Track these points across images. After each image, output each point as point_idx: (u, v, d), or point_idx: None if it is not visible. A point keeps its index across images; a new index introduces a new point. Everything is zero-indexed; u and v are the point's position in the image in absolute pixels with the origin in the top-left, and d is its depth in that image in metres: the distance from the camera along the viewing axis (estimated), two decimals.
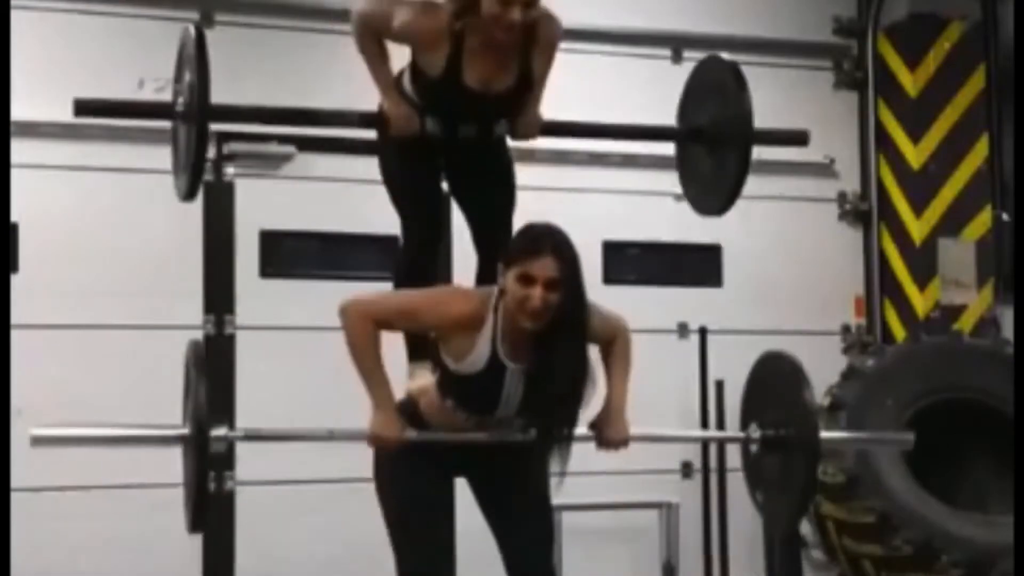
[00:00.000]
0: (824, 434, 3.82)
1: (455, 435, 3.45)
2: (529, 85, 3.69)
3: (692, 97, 4.07)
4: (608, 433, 3.46)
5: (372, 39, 3.64)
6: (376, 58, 3.67)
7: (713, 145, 3.93)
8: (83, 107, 3.72)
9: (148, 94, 5.41)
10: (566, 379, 3.27)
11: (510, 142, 3.83)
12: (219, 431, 3.42)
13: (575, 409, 3.34)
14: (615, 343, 3.45)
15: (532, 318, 3.21)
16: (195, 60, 3.46)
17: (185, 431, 3.44)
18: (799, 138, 4.20)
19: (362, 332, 3.27)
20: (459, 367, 3.33)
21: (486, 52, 3.57)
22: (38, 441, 3.39)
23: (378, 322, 3.31)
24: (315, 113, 4.16)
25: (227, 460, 5.26)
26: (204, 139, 3.48)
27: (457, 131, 3.70)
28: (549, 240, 3.24)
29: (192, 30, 3.54)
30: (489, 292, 3.36)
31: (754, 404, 3.97)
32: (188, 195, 3.63)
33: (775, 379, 3.89)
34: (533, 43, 3.62)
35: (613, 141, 5.83)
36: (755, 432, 3.85)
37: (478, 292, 3.43)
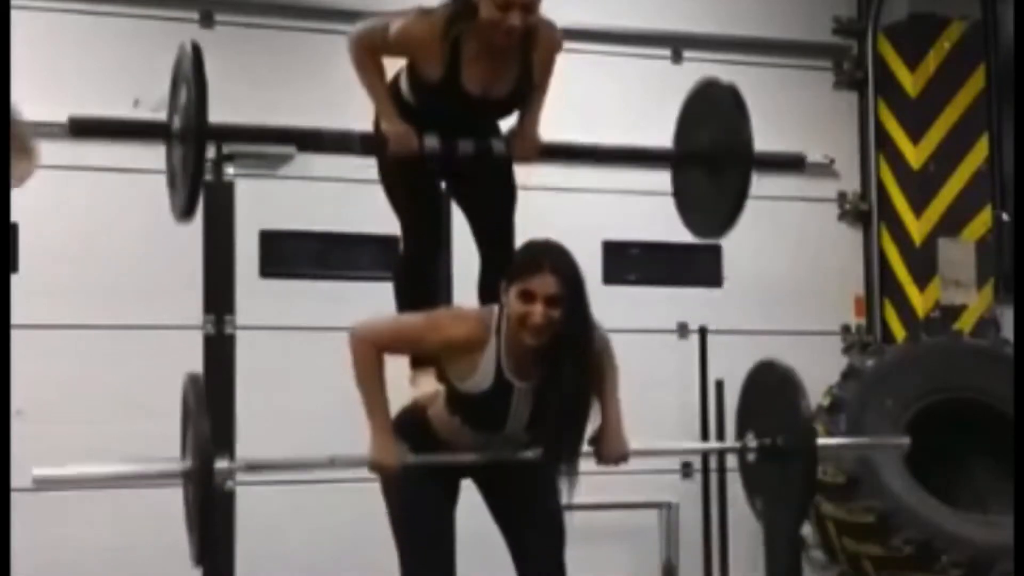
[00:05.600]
0: (821, 441, 3.85)
1: (455, 457, 3.46)
2: (528, 90, 3.68)
3: (689, 121, 4.06)
4: (607, 449, 3.47)
5: (370, 57, 3.63)
6: (373, 77, 3.66)
7: (712, 169, 3.93)
8: (78, 126, 3.70)
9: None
10: (571, 396, 3.27)
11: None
12: (221, 464, 3.40)
13: (581, 427, 3.35)
14: (601, 358, 3.43)
15: (533, 335, 3.22)
16: (192, 79, 3.41)
17: (187, 465, 3.42)
18: (796, 162, 4.28)
19: (365, 357, 3.29)
20: (464, 387, 3.33)
21: (484, 57, 3.57)
22: (41, 483, 3.34)
23: (382, 347, 3.33)
24: (316, 135, 4.15)
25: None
26: (201, 161, 3.46)
27: (456, 148, 3.69)
28: (548, 257, 3.25)
29: (188, 47, 3.49)
30: (490, 312, 3.36)
31: (750, 413, 3.99)
32: (185, 214, 3.60)
33: (770, 387, 3.89)
34: (532, 47, 3.62)
35: (614, 139, 5.82)
36: (752, 441, 3.86)
37: (477, 314, 3.42)
